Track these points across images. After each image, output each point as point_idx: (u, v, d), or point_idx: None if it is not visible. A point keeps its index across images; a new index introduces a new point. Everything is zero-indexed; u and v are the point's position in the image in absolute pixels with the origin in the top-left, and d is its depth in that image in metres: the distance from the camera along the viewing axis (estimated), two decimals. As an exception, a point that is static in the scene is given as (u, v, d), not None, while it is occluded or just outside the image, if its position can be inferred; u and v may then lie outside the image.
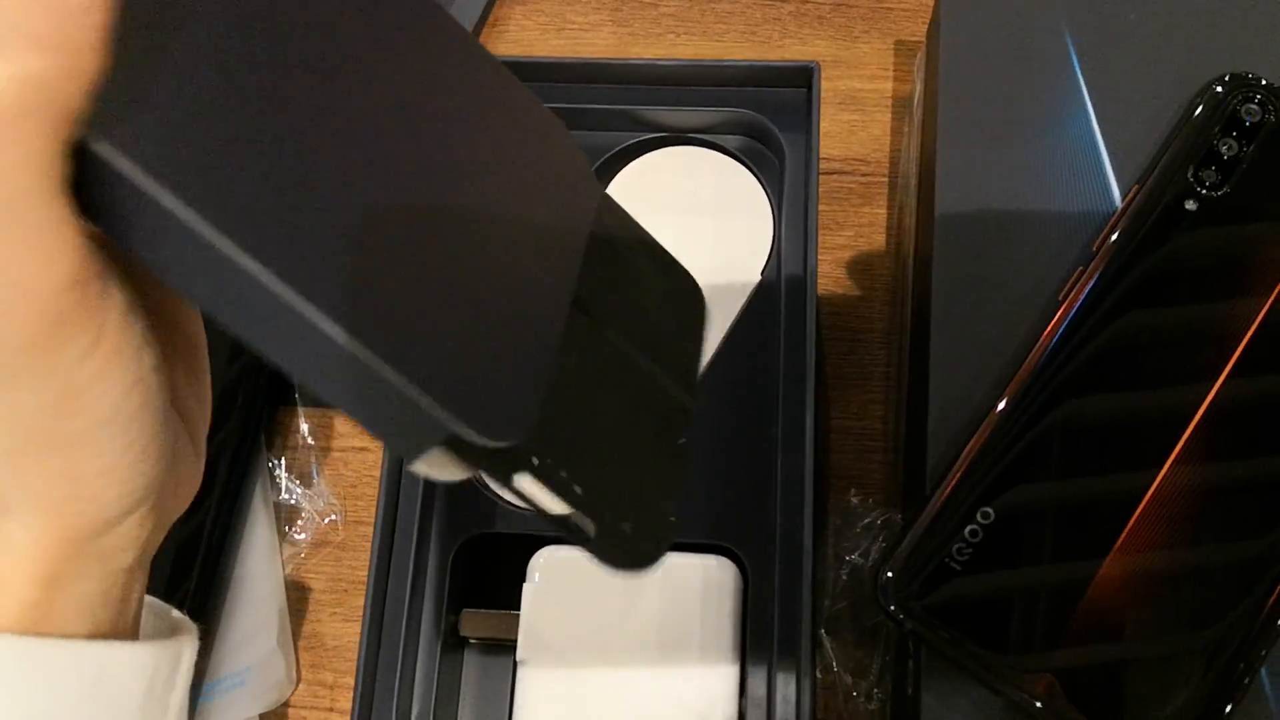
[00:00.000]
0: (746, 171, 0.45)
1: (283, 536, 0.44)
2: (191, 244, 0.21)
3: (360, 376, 0.22)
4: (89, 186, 0.21)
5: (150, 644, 0.30)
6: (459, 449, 0.23)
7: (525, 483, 0.25)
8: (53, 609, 0.26)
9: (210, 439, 0.42)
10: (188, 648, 0.32)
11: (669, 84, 0.45)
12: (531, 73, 0.45)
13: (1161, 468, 0.36)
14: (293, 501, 0.45)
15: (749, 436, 0.41)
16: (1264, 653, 0.34)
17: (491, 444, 0.23)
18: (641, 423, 0.29)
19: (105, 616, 0.28)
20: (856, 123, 0.51)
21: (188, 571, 0.42)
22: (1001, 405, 0.37)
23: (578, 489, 0.26)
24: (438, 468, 0.24)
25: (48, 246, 0.20)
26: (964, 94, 0.42)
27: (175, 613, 0.32)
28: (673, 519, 0.28)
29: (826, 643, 0.41)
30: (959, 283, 0.40)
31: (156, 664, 0.30)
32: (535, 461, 0.25)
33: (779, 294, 0.43)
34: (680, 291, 0.34)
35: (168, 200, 0.21)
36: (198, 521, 0.42)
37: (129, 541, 0.27)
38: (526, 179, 0.30)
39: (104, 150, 0.20)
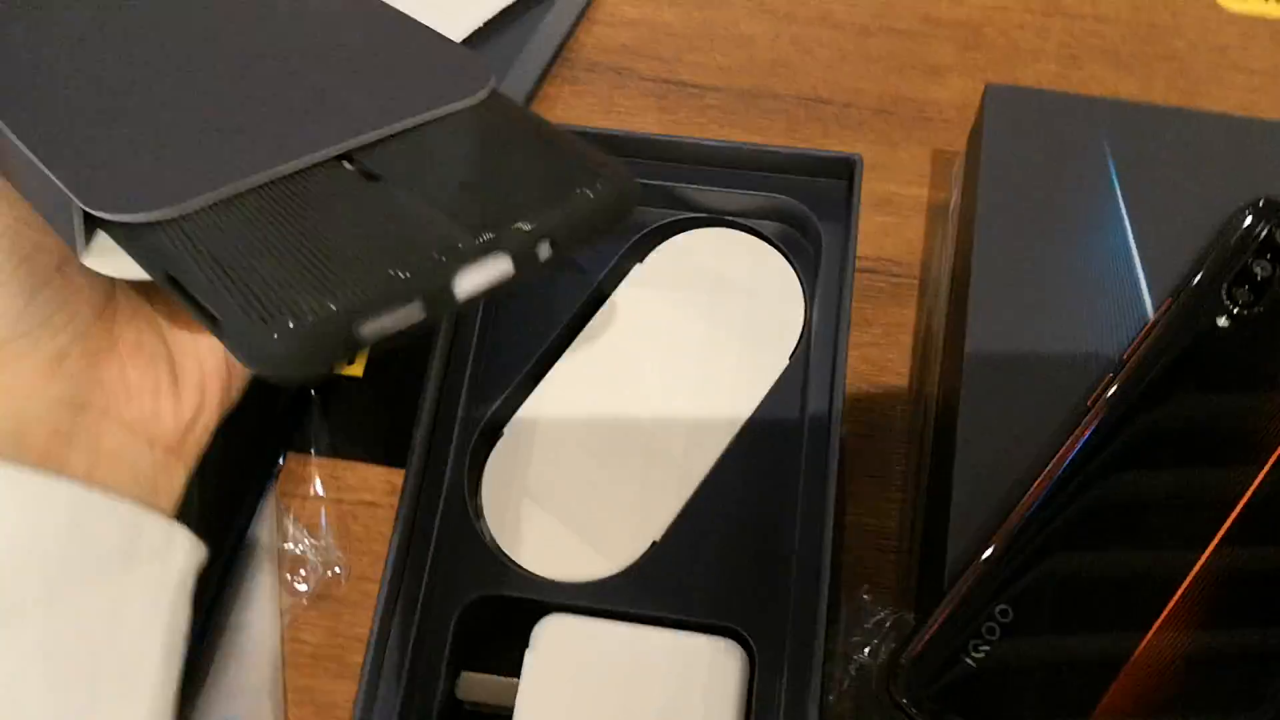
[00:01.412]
0: (781, 258, 0.45)
1: (284, 585, 0.43)
2: None
3: (27, 166, 0.28)
4: None
5: (126, 502, 0.33)
6: (98, 226, 0.28)
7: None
8: None
9: (221, 480, 0.42)
10: (182, 537, 0.35)
11: (710, 165, 0.45)
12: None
13: (1184, 580, 0.35)
14: (298, 551, 0.44)
15: (765, 520, 0.41)
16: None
17: (99, 214, 0.27)
18: (361, 235, 0.28)
19: (20, 448, 0.32)
20: (890, 225, 0.51)
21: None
22: (1025, 505, 0.37)
23: (221, 275, 0.26)
24: (98, 257, 0.29)
25: None
26: (1003, 201, 0.43)
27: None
28: (337, 323, 0.26)
29: (830, 738, 0.40)
30: (989, 386, 0.40)
31: (136, 525, 0.33)
32: (177, 246, 0.27)
33: (806, 381, 0.43)
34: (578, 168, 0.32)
35: None
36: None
37: (30, 380, 0.32)
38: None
39: None
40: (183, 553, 0.35)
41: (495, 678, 0.40)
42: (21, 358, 0.32)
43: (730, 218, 0.46)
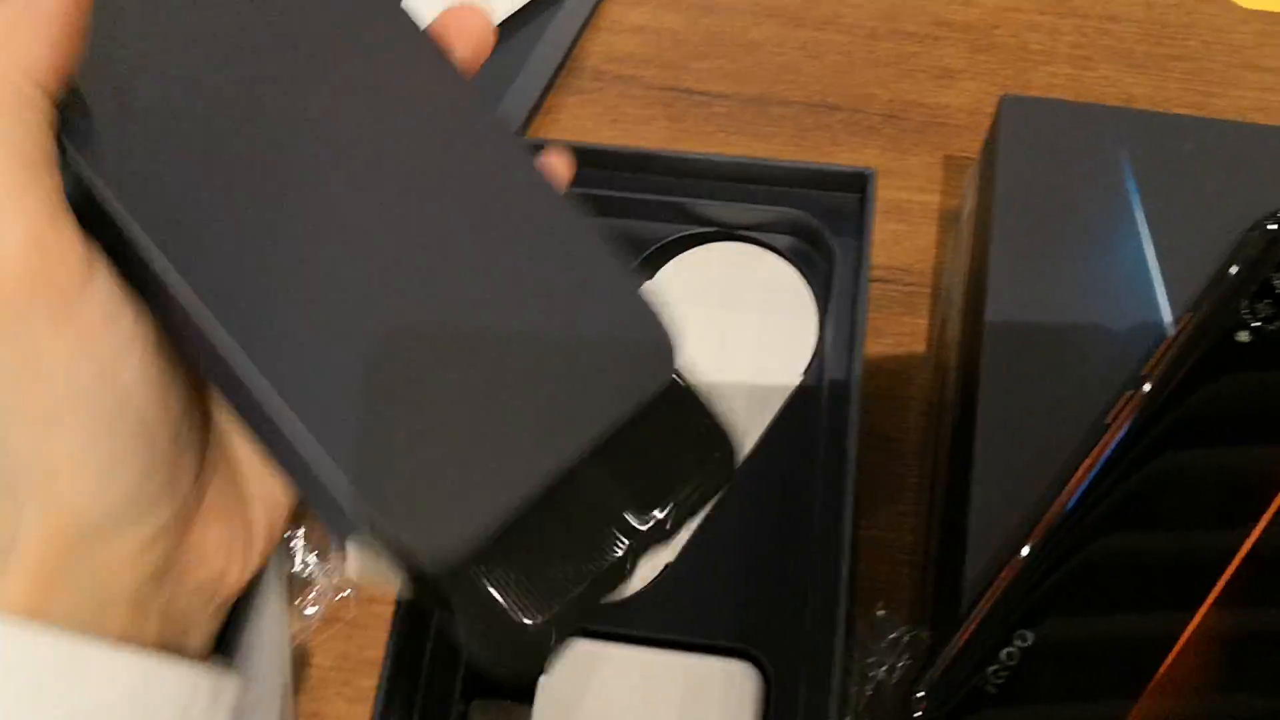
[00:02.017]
0: (794, 271, 0.45)
1: (293, 609, 0.43)
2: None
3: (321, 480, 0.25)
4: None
5: (183, 665, 0.29)
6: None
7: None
8: (46, 607, 0.27)
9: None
10: (228, 682, 0.31)
11: (721, 179, 0.45)
12: (584, 159, 0.45)
13: (1204, 603, 0.35)
14: (306, 574, 0.44)
15: (780, 539, 0.41)
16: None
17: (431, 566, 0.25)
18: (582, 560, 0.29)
19: (103, 630, 0.28)
20: (902, 233, 0.50)
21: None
22: (1044, 526, 0.36)
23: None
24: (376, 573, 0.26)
25: (12, 201, 0.23)
26: (1019, 211, 0.42)
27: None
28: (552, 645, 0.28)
29: (848, 761, 0.39)
30: (1005, 397, 0.39)
31: (194, 691, 0.30)
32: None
33: (820, 397, 0.42)
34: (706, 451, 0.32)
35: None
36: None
37: (124, 560, 0.27)
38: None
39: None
40: (230, 694, 0.32)
41: (508, 703, 0.39)
42: (122, 536, 0.28)
43: (742, 232, 0.45)
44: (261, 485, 0.32)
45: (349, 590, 0.44)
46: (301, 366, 0.25)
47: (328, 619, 0.43)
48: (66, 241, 0.23)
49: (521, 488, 0.26)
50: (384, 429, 0.25)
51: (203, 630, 0.32)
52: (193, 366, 0.28)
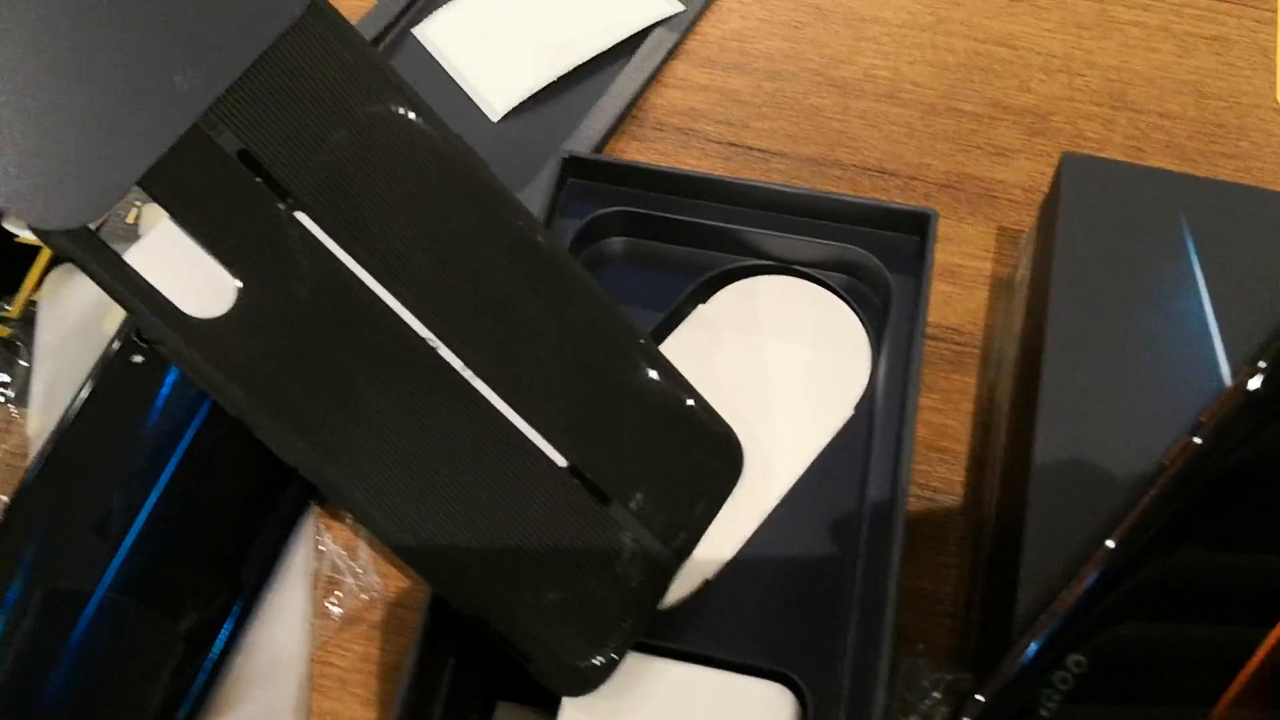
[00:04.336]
0: (848, 309, 0.45)
1: (317, 607, 0.42)
2: None
3: None
4: None
5: None
6: None
7: None
8: None
9: (260, 500, 0.41)
10: None
11: (780, 211, 0.45)
12: (644, 180, 0.45)
13: (1266, 635, 0.34)
14: (334, 573, 0.42)
15: (823, 569, 0.39)
16: None
17: None
18: (612, 578, 0.37)
19: None
20: (954, 294, 0.50)
21: (213, 631, 0.39)
22: (1100, 556, 0.35)
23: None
24: None
25: None
26: (1077, 269, 0.42)
27: None
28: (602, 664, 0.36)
29: (883, 800, 0.38)
30: (1061, 453, 0.39)
31: None
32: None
33: (870, 432, 0.42)
34: (710, 452, 0.41)
35: None
36: (233, 582, 0.40)
37: None
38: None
39: None
40: None
41: (534, 709, 0.38)
42: None
43: (798, 266, 0.45)
44: None
45: (374, 593, 0.42)
46: None
47: (351, 619, 0.42)
48: None
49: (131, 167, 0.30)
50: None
51: None
52: None
